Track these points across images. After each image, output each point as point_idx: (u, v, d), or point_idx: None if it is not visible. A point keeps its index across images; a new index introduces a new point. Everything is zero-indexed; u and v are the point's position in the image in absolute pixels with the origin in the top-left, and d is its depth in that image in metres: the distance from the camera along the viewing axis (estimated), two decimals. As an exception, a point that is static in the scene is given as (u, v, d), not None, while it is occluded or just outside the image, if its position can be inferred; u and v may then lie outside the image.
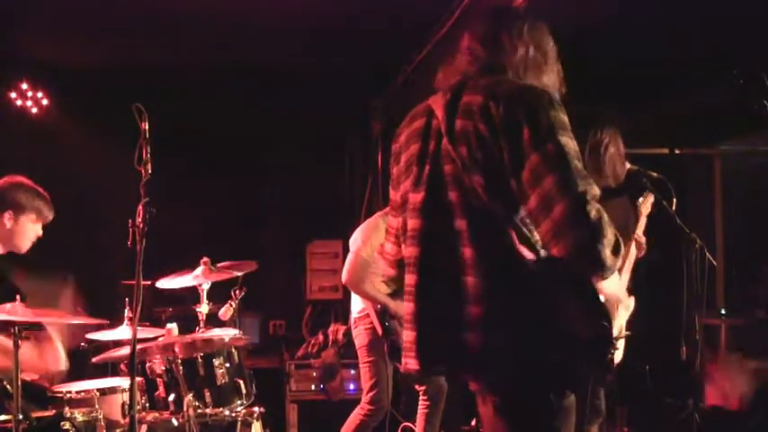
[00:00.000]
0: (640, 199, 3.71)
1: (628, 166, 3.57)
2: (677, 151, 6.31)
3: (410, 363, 2.07)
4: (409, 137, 2.17)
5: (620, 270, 3.53)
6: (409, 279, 2.09)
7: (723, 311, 5.61)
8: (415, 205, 2.09)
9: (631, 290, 3.60)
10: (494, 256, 1.92)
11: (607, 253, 1.81)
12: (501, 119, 1.90)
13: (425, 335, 2.03)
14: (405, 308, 2.10)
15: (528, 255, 1.90)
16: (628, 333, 3.31)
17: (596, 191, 1.85)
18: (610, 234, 1.82)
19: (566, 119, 1.91)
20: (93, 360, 3.65)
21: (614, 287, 3.24)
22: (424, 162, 2.08)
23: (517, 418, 1.98)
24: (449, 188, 2.00)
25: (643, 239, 3.68)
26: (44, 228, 3.58)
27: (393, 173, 2.25)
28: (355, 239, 4.50)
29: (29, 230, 3.50)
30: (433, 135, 2.08)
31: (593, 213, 1.80)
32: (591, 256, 1.82)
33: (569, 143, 1.87)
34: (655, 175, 3.64)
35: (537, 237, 1.91)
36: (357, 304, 4.57)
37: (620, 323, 3.58)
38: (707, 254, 3.81)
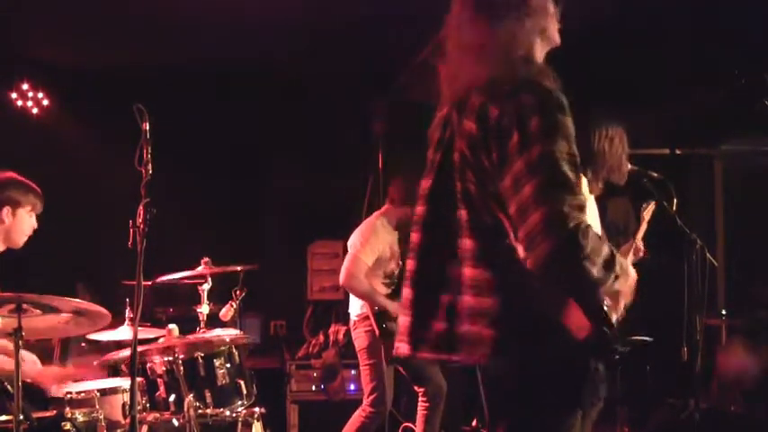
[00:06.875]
0: (644, 205, 3.73)
1: (629, 166, 3.58)
2: (677, 152, 6.30)
3: (401, 347, 2.06)
4: (435, 125, 2.14)
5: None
6: (409, 265, 2.08)
7: (723, 312, 5.60)
8: (423, 191, 2.09)
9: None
10: (491, 249, 1.91)
11: (593, 269, 1.77)
12: (494, 122, 1.86)
13: (419, 321, 2.02)
14: (403, 293, 2.10)
15: (522, 252, 1.85)
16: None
17: (580, 201, 1.79)
18: (593, 247, 1.76)
19: (564, 120, 1.83)
20: (95, 363, 3.65)
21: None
22: (438, 149, 2.08)
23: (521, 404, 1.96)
24: (455, 177, 1.97)
25: (641, 245, 3.69)
26: (38, 220, 3.60)
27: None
28: (353, 241, 4.49)
29: (26, 224, 3.53)
30: (450, 124, 2.06)
31: (570, 224, 1.74)
32: (562, 271, 1.78)
33: (562, 147, 1.80)
34: (655, 175, 3.65)
35: None
36: (356, 307, 4.56)
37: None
38: (707, 254, 3.82)
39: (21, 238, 3.55)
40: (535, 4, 2.02)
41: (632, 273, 1.93)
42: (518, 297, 1.88)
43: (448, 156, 2.02)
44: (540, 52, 2.05)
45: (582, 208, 1.79)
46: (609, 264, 1.80)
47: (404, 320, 2.07)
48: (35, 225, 3.59)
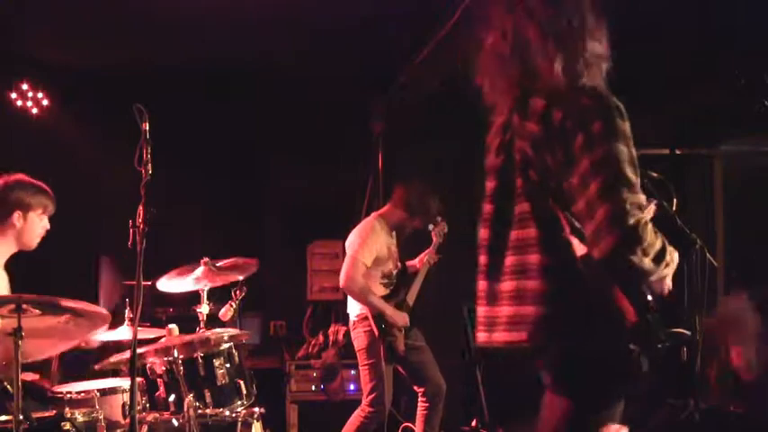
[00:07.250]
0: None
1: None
2: (677, 152, 6.30)
3: (480, 336, 2.21)
4: (495, 132, 2.27)
5: None
6: (481, 259, 2.23)
7: (723, 312, 5.59)
8: (489, 191, 2.24)
9: None
10: (552, 239, 2.05)
11: (645, 260, 1.93)
12: (558, 124, 2.00)
13: (493, 309, 2.16)
14: (478, 285, 2.24)
15: (577, 245, 2.01)
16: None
17: (639, 199, 1.95)
18: (649, 241, 1.92)
19: (623, 125, 2.00)
20: (96, 367, 3.65)
21: None
22: (499, 154, 2.21)
23: (574, 387, 2.09)
24: (516, 175, 2.12)
25: None
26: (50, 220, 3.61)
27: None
28: (351, 242, 4.48)
29: (37, 226, 3.55)
30: (510, 127, 2.18)
31: (630, 221, 1.91)
32: (624, 262, 1.93)
33: (623, 150, 1.96)
34: (655, 175, 3.64)
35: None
36: (355, 307, 4.56)
37: None
38: (707, 254, 3.81)
39: (33, 241, 3.56)
40: (589, 8, 2.17)
41: (676, 259, 2.07)
42: (576, 284, 2.02)
43: (509, 157, 2.15)
44: (596, 58, 2.18)
45: (641, 206, 1.96)
46: (661, 255, 1.97)
47: (481, 311, 2.22)
48: (47, 226, 3.60)
